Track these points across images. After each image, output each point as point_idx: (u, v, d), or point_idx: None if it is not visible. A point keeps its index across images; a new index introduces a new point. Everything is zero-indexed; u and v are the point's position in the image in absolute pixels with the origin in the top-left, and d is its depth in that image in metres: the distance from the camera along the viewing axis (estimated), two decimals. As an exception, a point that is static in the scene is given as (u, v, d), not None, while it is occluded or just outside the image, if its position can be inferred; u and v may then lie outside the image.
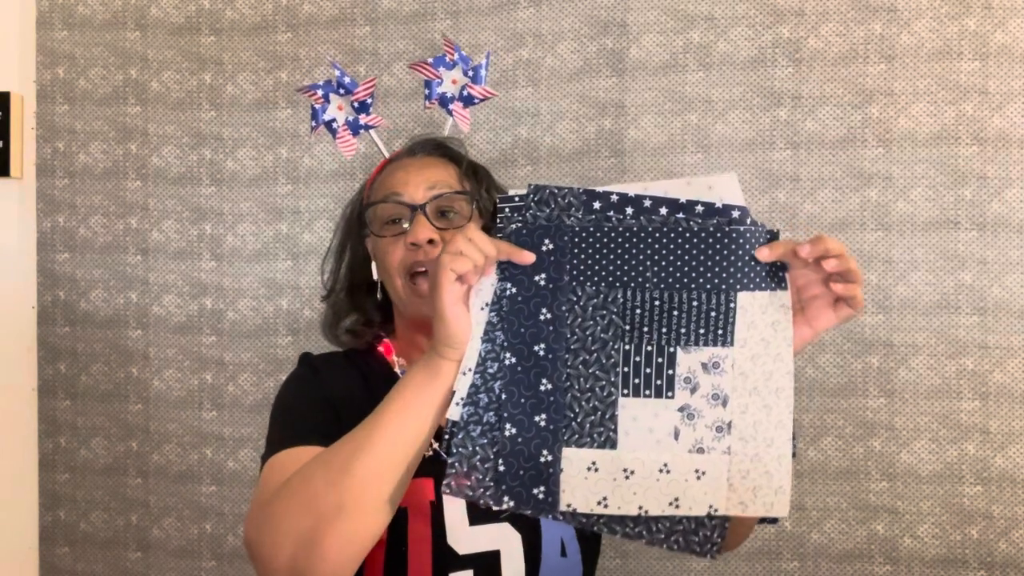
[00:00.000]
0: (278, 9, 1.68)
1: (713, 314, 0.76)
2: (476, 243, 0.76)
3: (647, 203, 0.75)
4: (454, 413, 0.77)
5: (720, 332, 0.76)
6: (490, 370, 0.77)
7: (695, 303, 0.76)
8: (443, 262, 0.76)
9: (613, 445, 0.77)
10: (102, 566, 1.71)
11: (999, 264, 1.49)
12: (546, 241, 0.76)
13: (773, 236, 0.76)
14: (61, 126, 1.72)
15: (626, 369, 0.77)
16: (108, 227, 1.71)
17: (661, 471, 0.77)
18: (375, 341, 1.12)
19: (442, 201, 1.03)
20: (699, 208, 0.75)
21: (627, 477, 0.77)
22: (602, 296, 0.77)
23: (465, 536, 0.96)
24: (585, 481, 0.77)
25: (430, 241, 1.00)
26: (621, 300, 0.76)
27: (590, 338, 0.77)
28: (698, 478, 0.77)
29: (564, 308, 0.77)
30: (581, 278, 0.76)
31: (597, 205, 0.75)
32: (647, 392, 0.77)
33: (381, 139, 1.12)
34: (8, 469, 1.73)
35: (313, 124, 1.15)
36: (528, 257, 0.76)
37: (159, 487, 1.69)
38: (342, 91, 1.13)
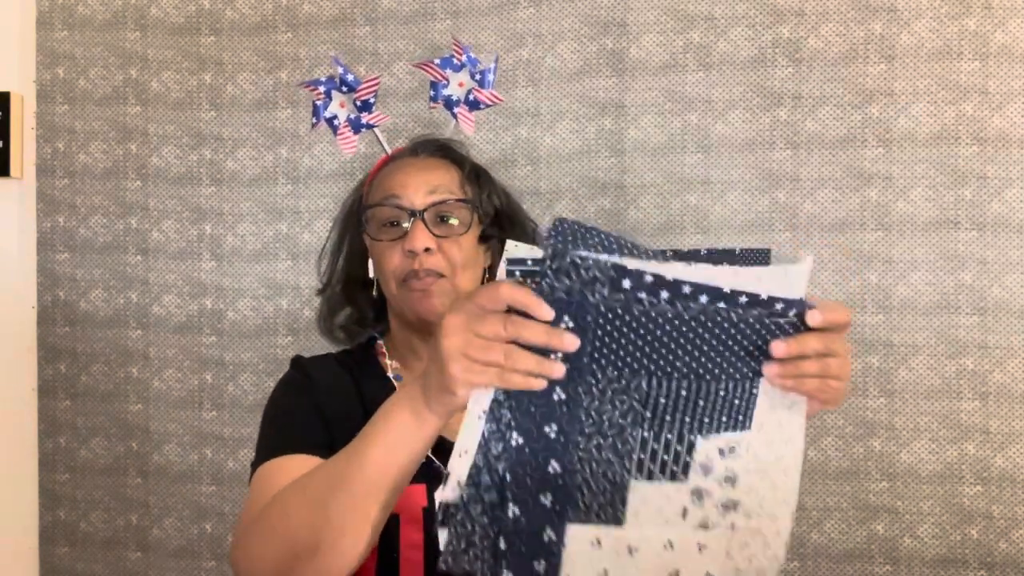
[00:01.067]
0: (278, 9, 1.68)
1: (737, 402, 0.73)
2: (517, 355, 0.67)
3: (686, 290, 0.67)
4: (451, 496, 0.72)
5: (740, 418, 0.73)
6: (494, 451, 0.71)
7: (721, 392, 0.72)
8: (479, 359, 0.67)
9: (619, 523, 0.74)
10: (102, 566, 1.71)
11: (999, 264, 1.49)
12: (565, 318, 0.67)
13: (799, 317, 0.70)
14: (61, 126, 1.72)
15: (642, 456, 0.73)
16: (108, 227, 1.71)
17: (665, 547, 0.74)
18: (368, 343, 1.12)
19: (442, 207, 1.02)
20: (743, 299, 0.67)
21: (630, 554, 0.74)
22: (624, 382, 0.71)
23: None
24: (588, 556, 0.74)
25: (426, 249, 1.00)
26: (645, 388, 0.71)
27: (607, 423, 0.72)
28: (699, 551, 0.75)
29: (581, 390, 0.70)
30: (603, 361, 0.69)
31: (627, 284, 0.66)
32: (660, 477, 0.73)
33: (386, 136, 1.12)
34: (8, 469, 1.73)
35: (314, 120, 1.14)
36: (571, 345, 0.67)
37: (159, 487, 1.69)
38: (345, 89, 1.12)
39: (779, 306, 0.68)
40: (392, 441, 0.76)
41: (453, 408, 0.72)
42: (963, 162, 1.50)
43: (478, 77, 1.13)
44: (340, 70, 1.11)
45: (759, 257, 0.74)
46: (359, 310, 1.14)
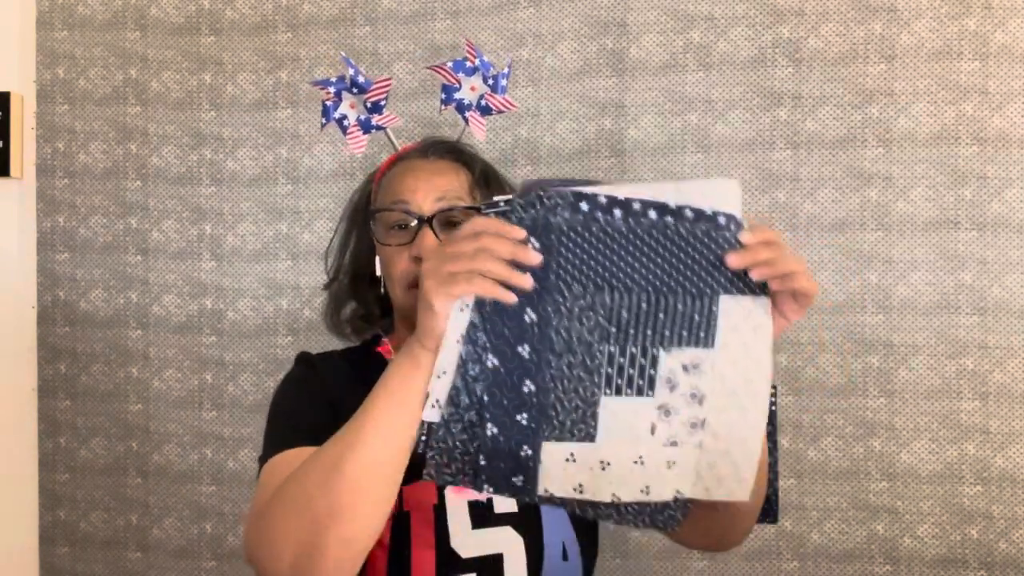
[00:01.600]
0: (278, 9, 1.68)
1: (696, 317, 0.76)
2: (493, 252, 0.72)
3: (636, 206, 0.73)
4: (431, 415, 0.76)
5: (702, 335, 0.76)
6: (471, 372, 0.75)
7: (680, 307, 0.76)
8: (451, 270, 0.72)
9: (592, 439, 0.77)
10: (102, 566, 1.71)
11: (999, 264, 1.49)
12: (532, 240, 0.73)
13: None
14: (61, 126, 1.72)
15: (610, 370, 0.77)
16: (108, 227, 1.71)
17: (636, 463, 0.78)
18: (373, 341, 1.12)
19: (450, 214, 1.01)
20: (688, 213, 0.74)
21: (603, 468, 0.78)
22: (589, 298, 0.75)
23: (468, 539, 0.96)
24: (563, 470, 0.78)
25: None
26: (608, 303, 0.75)
27: (576, 340, 0.76)
28: (668, 468, 0.78)
29: (550, 309, 0.75)
30: (568, 279, 0.74)
31: (585, 207, 0.73)
32: (628, 391, 0.77)
33: (393, 134, 1.12)
34: (8, 469, 1.73)
35: (323, 121, 1.13)
36: (535, 258, 0.73)
37: (159, 487, 1.69)
38: (355, 90, 1.10)
39: (721, 220, 0.74)
40: (394, 387, 0.77)
41: (437, 331, 0.74)
42: (963, 162, 1.50)
43: (491, 82, 1.12)
44: (351, 71, 1.10)
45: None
46: (365, 306, 1.13)
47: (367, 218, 1.08)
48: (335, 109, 1.11)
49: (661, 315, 0.76)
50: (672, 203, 0.74)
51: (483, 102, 1.11)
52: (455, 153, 1.09)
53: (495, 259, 0.71)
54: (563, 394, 0.77)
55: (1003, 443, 1.48)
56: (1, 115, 1.70)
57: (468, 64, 1.11)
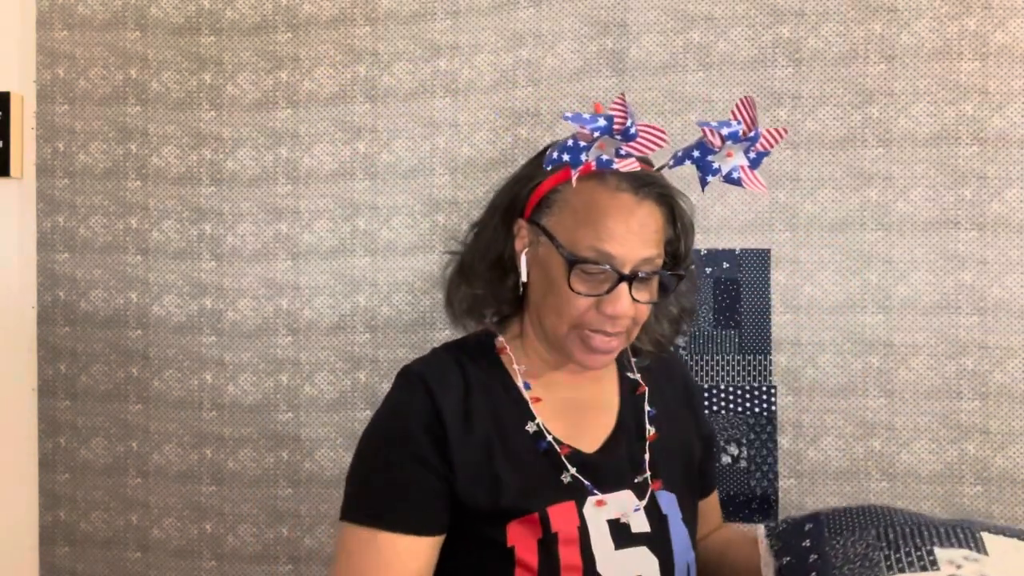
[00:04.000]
0: (278, 9, 1.68)
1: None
2: None
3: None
4: None
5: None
6: None
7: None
8: None
9: None
10: (102, 566, 1.71)
11: (999, 264, 1.49)
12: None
13: None
14: (61, 126, 1.72)
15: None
16: (108, 227, 1.71)
17: None
18: (487, 338, 1.08)
19: (651, 276, 0.98)
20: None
21: None
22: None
23: (612, 562, 0.96)
24: None
25: None
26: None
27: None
28: None
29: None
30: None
31: None
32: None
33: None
34: (8, 469, 1.73)
35: (554, 156, 0.93)
36: None
37: (159, 487, 1.69)
38: (620, 137, 0.94)
39: None
40: None
41: None
42: (963, 162, 1.50)
43: (749, 152, 0.98)
44: (628, 121, 0.93)
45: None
46: (496, 300, 1.06)
47: (512, 222, 1.02)
48: (587, 151, 0.93)
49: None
50: None
51: (751, 154, 0.98)
52: (665, 198, 1.02)
53: None
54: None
55: (1003, 443, 1.48)
56: (1, 115, 1.70)
57: (741, 135, 0.96)
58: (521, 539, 0.94)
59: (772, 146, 0.96)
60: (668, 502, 1.04)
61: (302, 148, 1.67)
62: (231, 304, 1.69)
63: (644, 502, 1.02)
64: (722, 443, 1.55)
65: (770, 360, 1.54)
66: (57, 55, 1.72)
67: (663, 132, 0.93)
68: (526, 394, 1.04)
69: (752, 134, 0.95)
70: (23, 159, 1.72)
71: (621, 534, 0.97)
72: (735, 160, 0.96)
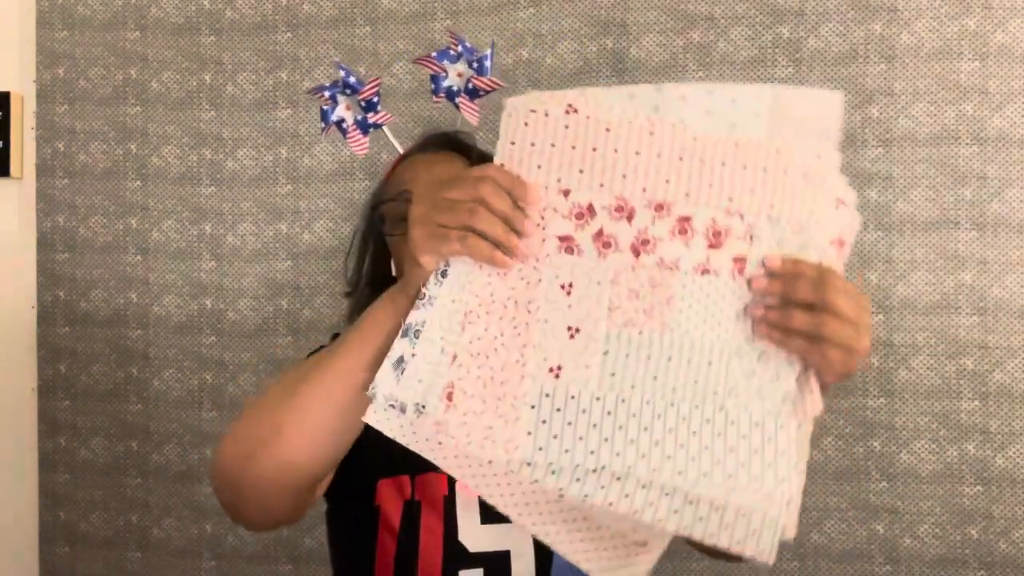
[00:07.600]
0: (278, 9, 1.68)
1: None
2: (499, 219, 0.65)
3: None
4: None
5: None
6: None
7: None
8: (442, 222, 0.66)
9: None
10: (102, 566, 1.71)
11: (999, 264, 1.49)
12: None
13: None
14: (61, 126, 1.72)
15: None
16: (108, 227, 1.71)
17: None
18: None
19: None
20: None
21: None
22: None
23: (476, 534, 0.96)
24: None
25: None
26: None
27: None
28: None
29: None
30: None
31: None
32: None
33: (393, 135, 1.12)
34: (8, 469, 1.73)
35: (323, 126, 1.15)
36: (530, 228, 0.67)
37: (159, 487, 1.69)
38: (348, 91, 1.12)
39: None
40: (367, 327, 0.75)
41: (420, 279, 0.69)
42: (963, 162, 1.50)
43: (475, 65, 1.13)
44: (342, 73, 1.11)
45: None
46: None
47: (375, 220, 1.09)
48: (332, 113, 1.13)
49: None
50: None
51: (470, 85, 1.12)
52: (451, 143, 1.11)
53: (493, 217, 0.65)
54: None
55: (1003, 443, 1.48)
56: (1, 115, 1.70)
57: (451, 52, 1.12)
58: (389, 499, 0.97)
59: (488, 88, 1.10)
60: None
61: (302, 148, 1.67)
62: (231, 304, 1.69)
63: None
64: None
65: (770, 360, 1.55)
66: (57, 55, 1.72)
67: (378, 78, 1.10)
68: None
69: (460, 49, 1.09)
70: (23, 159, 1.73)
71: (491, 510, 0.95)
72: (467, 75, 1.10)
